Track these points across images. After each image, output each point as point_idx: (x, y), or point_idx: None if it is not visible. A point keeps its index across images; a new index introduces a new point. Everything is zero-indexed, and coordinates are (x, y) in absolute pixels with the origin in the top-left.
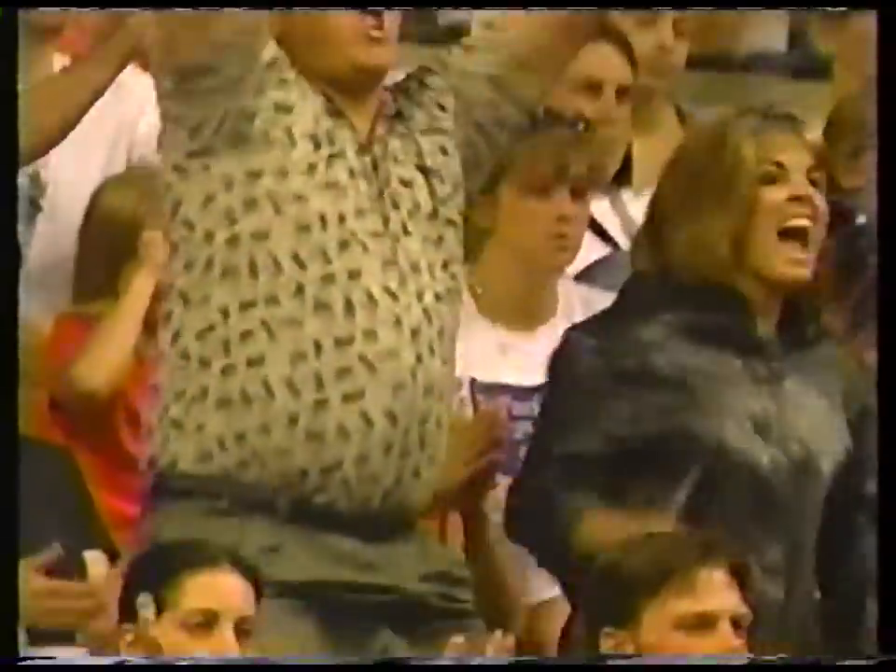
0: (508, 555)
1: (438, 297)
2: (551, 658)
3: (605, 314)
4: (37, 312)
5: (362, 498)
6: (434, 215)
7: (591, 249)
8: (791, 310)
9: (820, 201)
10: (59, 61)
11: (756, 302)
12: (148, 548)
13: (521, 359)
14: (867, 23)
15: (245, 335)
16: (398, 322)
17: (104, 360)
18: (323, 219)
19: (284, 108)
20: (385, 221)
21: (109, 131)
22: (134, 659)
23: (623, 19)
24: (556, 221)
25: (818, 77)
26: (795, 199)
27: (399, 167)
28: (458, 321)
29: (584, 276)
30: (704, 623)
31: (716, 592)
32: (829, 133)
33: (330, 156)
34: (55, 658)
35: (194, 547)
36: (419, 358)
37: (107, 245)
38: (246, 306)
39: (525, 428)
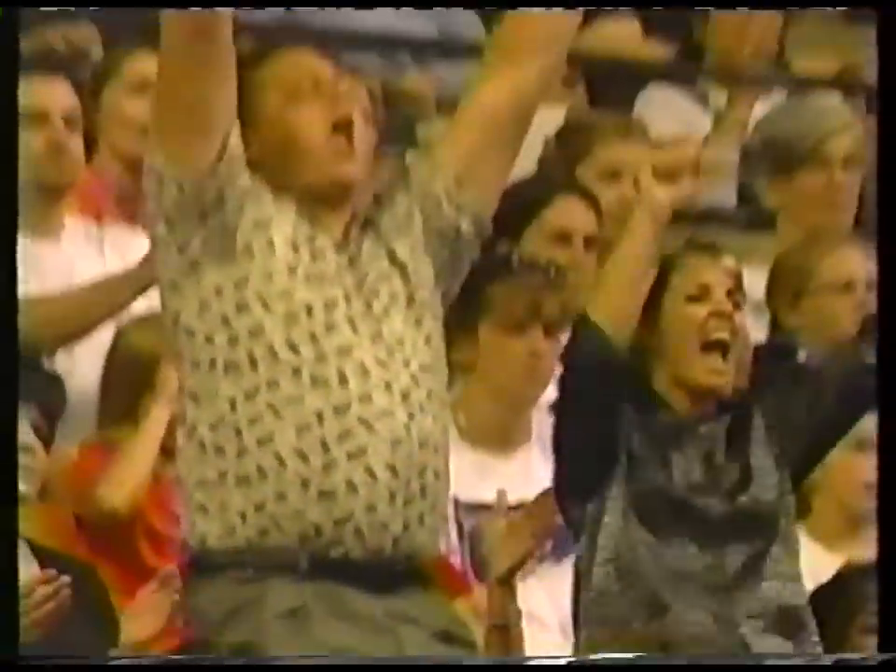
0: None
1: (422, 366)
2: (550, 658)
3: None
4: (64, 441)
5: (375, 546)
6: (411, 301)
7: None
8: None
9: (739, 318)
10: (69, 221)
11: (680, 410)
12: None
13: (499, 480)
14: (812, 180)
15: (253, 419)
16: (388, 387)
17: (125, 482)
18: (309, 309)
19: (262, 223)
20: (368, 306)
21: None
22: (134, 659)
23: (587, 174)
24: (530, 357)
25: (764, 229)
26: (716, 315)
27: (375, 264)
28: (444, 387)
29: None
30: None
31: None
32: (773, 278)
33: (310, 256)
34: (55, 658)
35: None
36: (411, 417)
37: (128, 379)
38: (251, 394)
39: None
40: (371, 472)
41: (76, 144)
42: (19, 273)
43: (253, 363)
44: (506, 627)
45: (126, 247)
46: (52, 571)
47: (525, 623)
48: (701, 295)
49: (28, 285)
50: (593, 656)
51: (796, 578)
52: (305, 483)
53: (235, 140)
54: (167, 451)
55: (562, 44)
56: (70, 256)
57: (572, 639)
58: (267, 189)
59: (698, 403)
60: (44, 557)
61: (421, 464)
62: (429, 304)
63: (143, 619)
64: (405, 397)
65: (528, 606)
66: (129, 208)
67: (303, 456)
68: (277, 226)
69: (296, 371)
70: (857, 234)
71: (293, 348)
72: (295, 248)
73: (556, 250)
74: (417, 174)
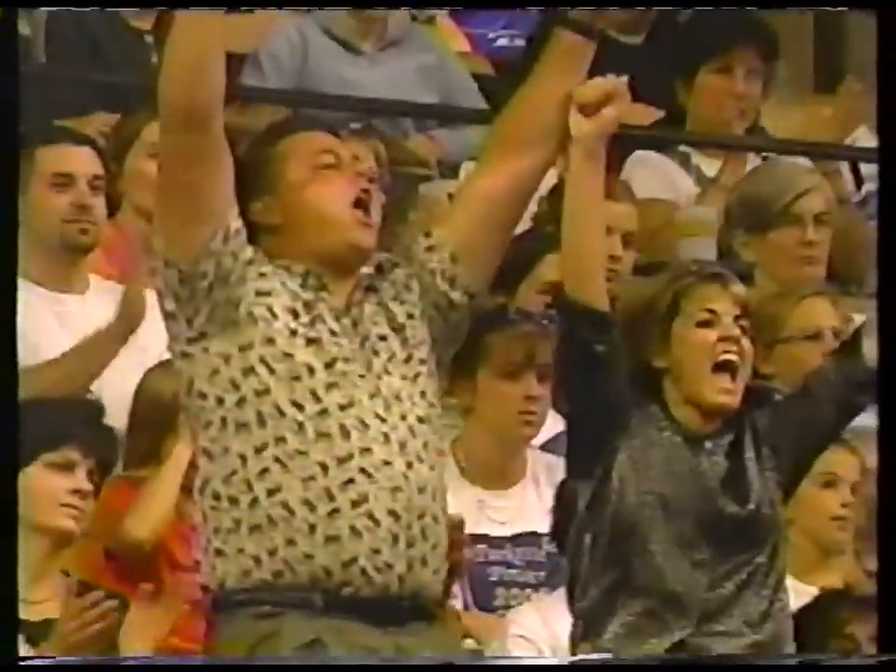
0: None
1: (419, 419)
2: (549, 658)
3: None
4: None
5: (382, 585)
6: (409, 359)
7: (554, 423)
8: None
9: (746, 342)
10: (94, 278)
11: (692, 427)
12: None
13: (496, 514)
14: (786, 237)
15: (263, 472)
16: (387, 438)
17: (149, 517)
18: (311, 369)
19: (264, 293)
20: (369, 365)
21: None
22: (134, 659)
23: None
24: (525, 401)
25: (742, 282)
26: (725, 339)
27: (376, 327)
28: (440, 438)
29: (548, 446)
30: None
31: None
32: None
33: (311, 320)
34: (55, 658)
35: None
36: (409, 465)
37: (151, 421)
38: (260, 450)
39: (500, 571)
40: (373, 518)
41: (99, 206)
42: (45, 325)
43: (261, 421)
44: None
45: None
46: (99, 593)
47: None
48: (710, 320)
49: (56, 339)
50: (593, 656)
51: (785, 590)
52: (312, 529)
53: (235, 221)
54: (188, 489)
55: (558, 137)
56: (95, 311)
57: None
58: (266, 261)
59: (708, 421)
60: (79, 588)
61: (420, 508)
62: (426, 362)
63: (138, 637)
64: (402, 447)
65: (524, 630)
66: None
67: (310, 505)
68: (277, 295)
69: (300, 426)
70: (827, 287)
71: (297, 405)
72: (295, 314)
73: (547, 301)
74: (417, 249)
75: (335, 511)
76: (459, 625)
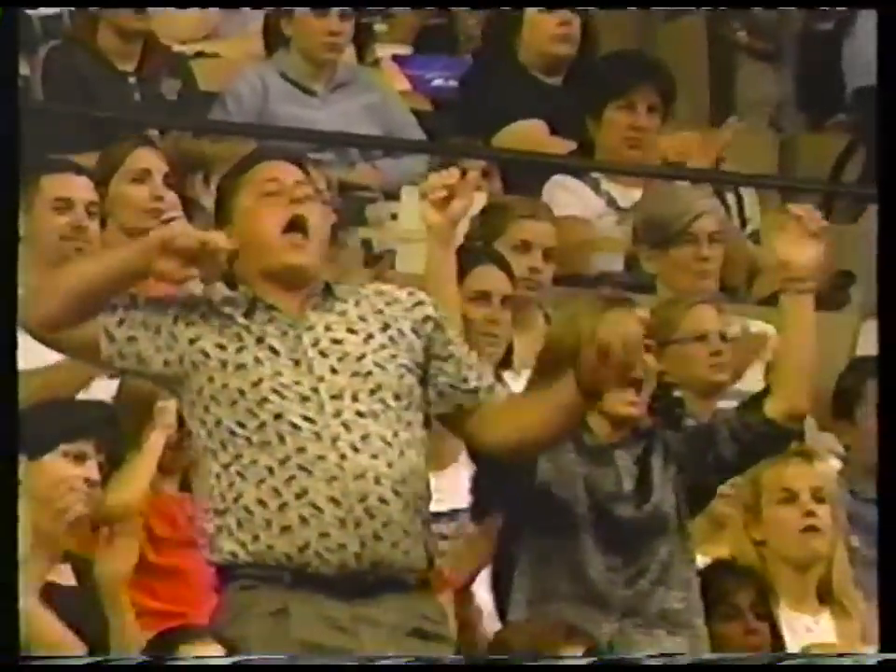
0: None
1: (360, 413)
2: (549, 659)
3: None
4: None
5: (339, 563)
6: (362, 357)
7: None
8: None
9: (650, 359)
10: None
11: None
12: None
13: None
14: (683, 253)
15: (230, 485)
16: (318, 436)
17: (127, 493)
18: (241, 391)
19: (194, 339)
20: (310, 369)
21: None
22: (134, 659)
23: (503, 246)
24: None
25: (646, 291)
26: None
27: (331, 332)
28: (391, 430)
29: None
30: None
31: None
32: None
33: (238, 349)
34: (55, 658)
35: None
36: (343, 457)
37: (132, 410)
38: (226, 466)
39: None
40: (316, 506)
41: (93, 228)
42: None
43: (223, 445)
44: (471, 625)
45: None
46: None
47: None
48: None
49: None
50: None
51: (694, 586)
52: (269, 523)
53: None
54: (165, 469)
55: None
56: None
57: None
58: (193, 309)
59: (617, 430)
60: (69, 559)
61: (360, 493)
62: (380, 362)
63: (113, 557)
64: (334, 441)
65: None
66: None
67: (263, 504)
68: (206, 337)
69: (248, 441)
70: (719, 296)
71: (241, 425)
72: (222, 347)
73: (479, 308)
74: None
75: (283, 504)
76: (442, 596)
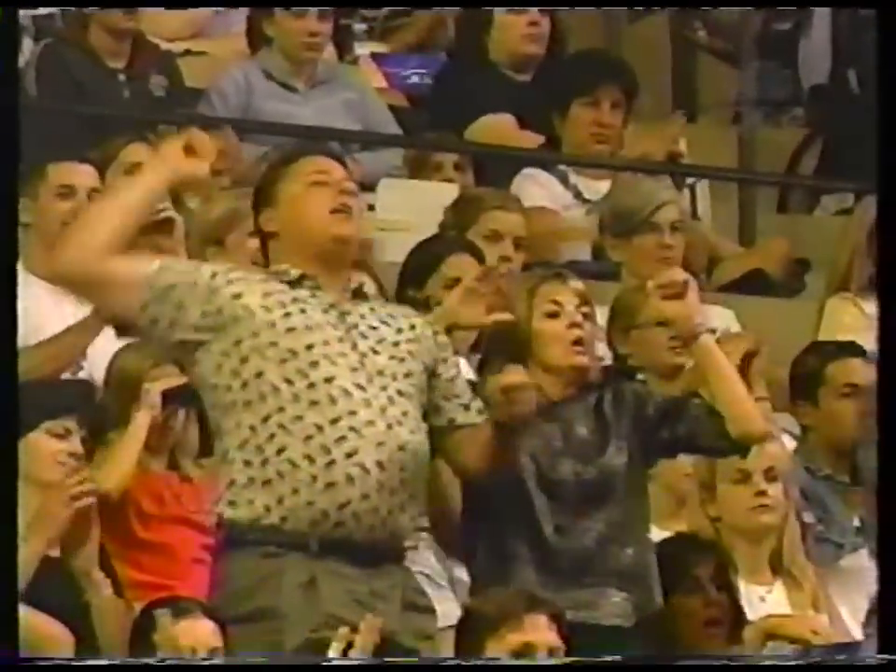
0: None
1: (399, 392)
2: (549, 658)
3: None
4: None
5: (368, 527)
6: (397, 344)
7: None
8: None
9: (588, 325)
10: None
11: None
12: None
13: None
14: (647, 242)
15: (270, 437)
16: (368, 404)
17: (115, 471)
18: (293, 352)
19: (236, 296)
20: (354, 346)
21: None
22: (134, 659)
23: (475, 235)
24: None
25: (612, 278)
26: (572, 325)
27: (364, 320)
28: (420, 412)
29: None
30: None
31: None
32: (611, 314)
33: (285, 314)
34: (55, 658)
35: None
36: (389, 427)
37: (119, 391)
38: (265, 419)
39: None
40: (363, 468)
41: None
42: (44, 310)
43: (262, 398)
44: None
45: None
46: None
47: None
48: (557, 312)
49: (54, 323)
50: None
51: (646, 545)
52: (314, 478)
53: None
54: (151, 448)
55: None
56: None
57: None
58: (232, 270)
59: (568, 386)
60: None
61: (400, 462)
62: (412, 350)
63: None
64: (383, 411)
65: (421, 567)
66: None
67: (311, 459)
68: (250, 294)
69: (295, 397)
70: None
71: (288, 382)
72: (268, 310)
73: (449, 293)
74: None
75: (332, 462)
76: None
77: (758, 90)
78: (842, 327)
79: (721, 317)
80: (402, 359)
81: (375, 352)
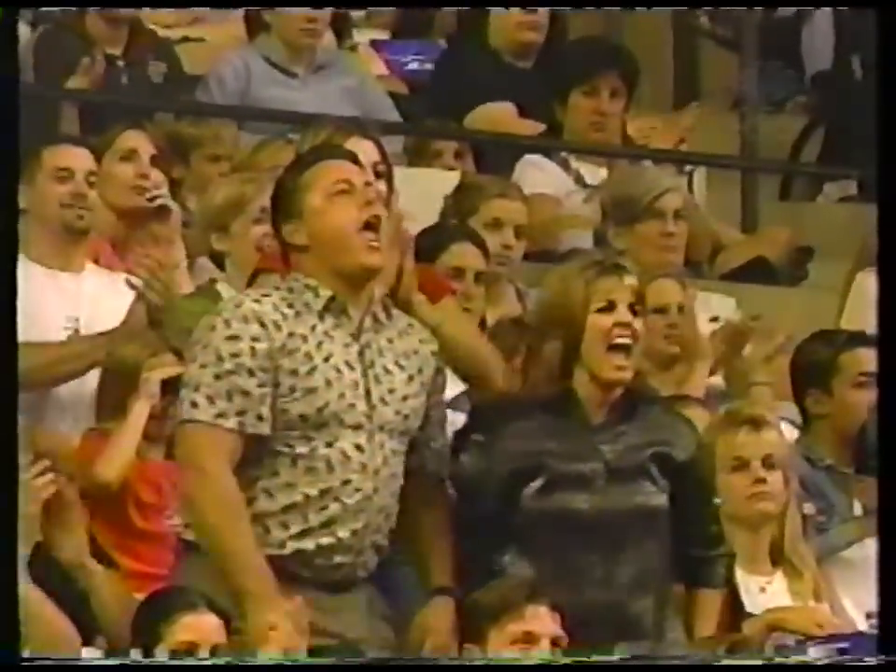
0: None
1: (394, 451)
2: (547, 658)
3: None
4: (72, 431)
5: (336, 565)
6: (405, 399)
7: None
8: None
9: (639, 325)
10: (89, 265)
11: (590, 399)
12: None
13: None
14: (649, 229)
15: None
16: (364, 468)
17: (114, 461)
18: (303, 417)
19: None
20: (367, 394)
21: None
22: (134, 659)
23: (476, 223)
24: None
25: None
26: (620, 324)
27: (383, 359)
28: (400, 468)
29: (452, 404)
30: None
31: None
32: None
33: (312, 369)
34: (55, 658)
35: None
36: (375, 490)
37: (117, 382)
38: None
39: None
40: (337, 537)
41: (93, 197)
42: (43, 298)
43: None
44: None
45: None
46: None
47: None
48: (609, 308)
49: (53, 312)
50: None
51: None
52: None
53: None
54: (150, 437)
55: None
56: (89, 288)
57: None
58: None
59: (606, 394)
60: None
61: (376, 525)
62: (415, 407)
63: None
64: (376, 473)
65: None
66: (120, 252)
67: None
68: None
69: (293, 462)
70: (683, 271)
71: (289, 446)
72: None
73: (454, 284)
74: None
75: (309, 529)
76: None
77: (760, 77)
78: (871, 302)
79: (722, 306)
80: (406, 416)
81: (384, 402)
